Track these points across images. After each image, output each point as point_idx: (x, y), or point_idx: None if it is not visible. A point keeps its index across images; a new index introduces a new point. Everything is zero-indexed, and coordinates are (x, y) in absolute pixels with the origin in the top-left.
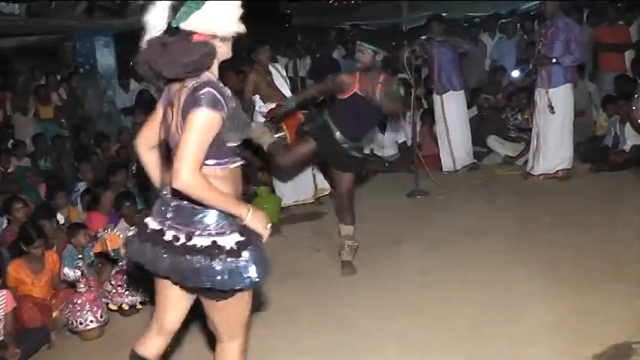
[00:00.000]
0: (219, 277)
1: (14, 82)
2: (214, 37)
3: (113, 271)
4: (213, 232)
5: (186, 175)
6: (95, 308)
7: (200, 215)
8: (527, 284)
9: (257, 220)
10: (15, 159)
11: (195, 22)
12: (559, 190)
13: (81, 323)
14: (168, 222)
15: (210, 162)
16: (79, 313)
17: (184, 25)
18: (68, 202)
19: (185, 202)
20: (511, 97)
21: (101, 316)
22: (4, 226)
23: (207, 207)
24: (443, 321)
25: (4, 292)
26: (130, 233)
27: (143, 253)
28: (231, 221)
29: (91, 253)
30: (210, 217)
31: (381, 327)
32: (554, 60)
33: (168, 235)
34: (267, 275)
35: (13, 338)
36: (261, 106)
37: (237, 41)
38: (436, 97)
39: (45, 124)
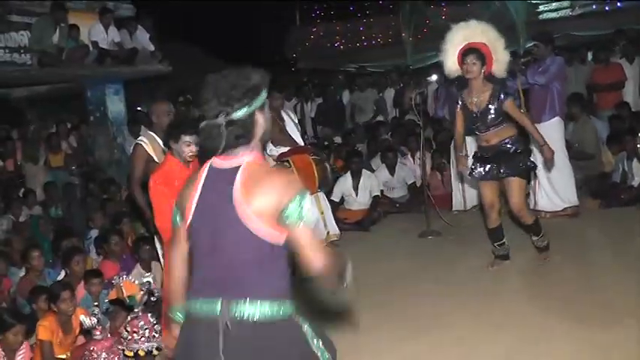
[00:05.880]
0: None
1: (25, 132)
2: None
3: (129, 318)
4: None
5: None
6: (112, 355)
7: None
8: (543, 322)
9: None
10: (26, 208)
11: None
12: (569, 228)
13: None
14: None
15: None
16: None
17: None
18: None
19: None
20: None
21: None
22: (21, 275)
23: None
24: None
25: (25, 344)
26: (146, 279)
27: None
28: None
29: (107, 300)
30: None
31: None
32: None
33: None
34: None
35: None
36: (272, 150)
37: None
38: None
39: (55, 172)
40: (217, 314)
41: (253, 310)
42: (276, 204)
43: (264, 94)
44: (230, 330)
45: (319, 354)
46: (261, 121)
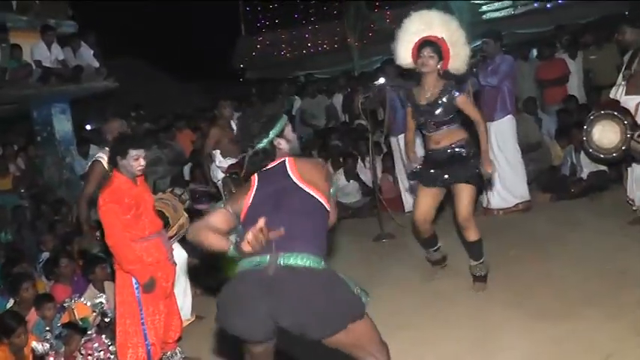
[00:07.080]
0: None
1: None
2: None
3: (82, 341)
4: None
5: None
6: None
7: None
8: (500, 317)
9: None
10: None
11: None
12: (521, 223)
13: None
14: None
15: None
16: None
17: None
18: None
19: None
20: None
21: None
22: None
23: None
24: None
25: None
26: (98, 300)
27: None
28: None
29: (59, 324)
30: None
31: None
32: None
33: None
34: None
35: None
36: (221, 161)
37: (195, 98)
38: (393, 139)
39: (4, 196)
40: (265, 264)
41: (299, 260)
42: (323, 187)
43: (280, 123)
44: (276, 276)
45: (360, 295)
46: (283, 144)
